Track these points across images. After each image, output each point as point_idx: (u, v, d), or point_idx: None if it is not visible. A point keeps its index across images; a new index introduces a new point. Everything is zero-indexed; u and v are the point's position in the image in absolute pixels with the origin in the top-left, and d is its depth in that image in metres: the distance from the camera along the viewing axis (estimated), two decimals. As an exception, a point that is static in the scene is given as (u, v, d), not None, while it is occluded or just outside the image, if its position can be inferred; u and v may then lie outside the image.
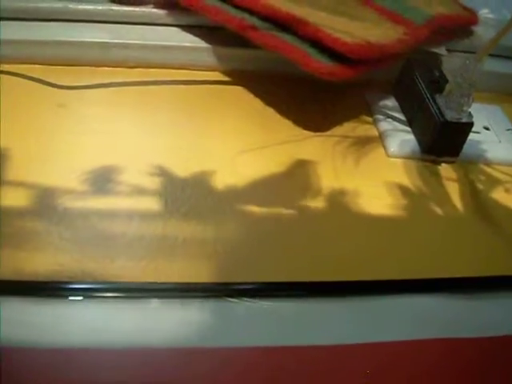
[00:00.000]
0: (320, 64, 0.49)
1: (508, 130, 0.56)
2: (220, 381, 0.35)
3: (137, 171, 0.47)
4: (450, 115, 0.49)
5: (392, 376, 0.37)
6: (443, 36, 0.59)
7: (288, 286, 0.41)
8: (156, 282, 0.39)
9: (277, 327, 0.38)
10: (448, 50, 0.60)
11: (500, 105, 0.60)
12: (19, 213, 0.42)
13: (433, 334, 0.39)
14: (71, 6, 0.57)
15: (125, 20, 0.58)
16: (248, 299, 0.39)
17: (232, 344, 0.37)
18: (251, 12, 0.53)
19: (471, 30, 0.63)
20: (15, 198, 0.43)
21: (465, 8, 0.62)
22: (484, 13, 0.67)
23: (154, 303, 0.39)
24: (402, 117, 0.54)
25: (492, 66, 0.60)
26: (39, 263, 0.39)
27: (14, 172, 0.45)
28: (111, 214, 0.43)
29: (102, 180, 0.46)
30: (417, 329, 0.39)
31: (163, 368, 0.35)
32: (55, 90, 0.53)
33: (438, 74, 0.53)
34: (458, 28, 0.61)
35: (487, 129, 0.56)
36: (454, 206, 0.49)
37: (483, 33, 0.63)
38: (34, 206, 0.43)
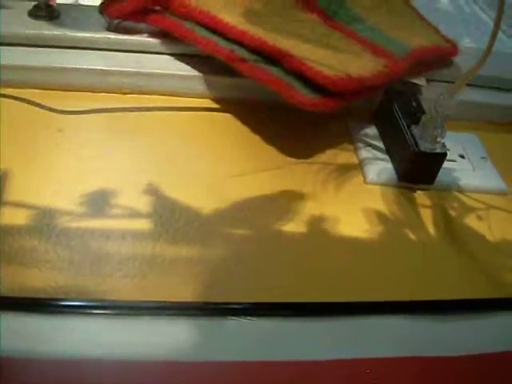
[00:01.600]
0: (303, 97, 0.53)
1: (482, 158, 0.59)
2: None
3: (130, 194, 0.50)
4: (424, 146, 0.52)
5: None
6: (423, 67, 0.63)
7: (270, 306, 0.44)
8: (144, 301, 0.43)
9: (260, 344, 0.41)
10: (428, 80, 0.64)
11: (476, 133, 0.63)
12: (18, 231, 0.46)
13: (409, 353, 0.42)
14: (70, 33, 0.60)
15: (121, 48, 0.61)
16: (232, 318, 0.43)
17: (217, 358, 0.40)
18: (240, 44, 0.57)
19: (451, 61, 0.67)
20: (14, 218, 0.46)
21: (446, 39, 0.66)
22: (465, 42, 0.71)
23: (143, 320, 0.42)
24: (381, 145, 0.58)
25: (469, 95, 0.63)
26: (36, 280, 0.43)
27: (12, 193, 0.48)
28: (105, 235, 0.46)
29: (97, 202, 0.49)
30: (394, 347, 0.42)
31: (150, 380, 0.39)
32: (53, 114, 0.57)
33: (415, 105, 0.57)
34: (439, 59, 0.65)
35: (462, 157, 0.59)
36: (428, 232, 0.52)
37: (463, 63, 0.66)
38: (32, 226, 0.46)
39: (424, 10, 0.70)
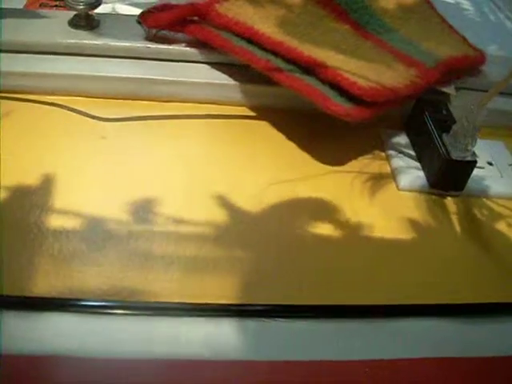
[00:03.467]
0: (338, 106, 0.56)
1: (510, 165, 0.62)
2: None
3: (172, 199, 0.54)
4: (455, 154, 0.55)
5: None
6: (453, 76, 0.66)
7: (298, 308, 0.48)
8: (185, 302, 0.46)
9: (288, 344, 0.45)
10: (457, 89, 0.66)
11: (504, 140, 0.66)
12: (65, 236, 0.49)
13: (437, 354, 0.45)
14: (110, 42, 0.64)
15: (159, 57, 0.65)
16: (263, 319, 0.46)
17: (248, 358, 0.43)
18: (276, 54, 0.60)
19: (479, 69, 0.69)
20: (61, 222, 0.50)
21: (474, 48, 0.69)
22: (492, 51, 0.74)
23: (182, 320, 0.45)
24: (412, 153, 0.61)
25: (497, 104, 0.65)
26: (86, 282, 0.46)
27: (59, 198, 0.52)
28: (150, 239, 0.50)
29: (142, 207, 0.52)
30: (417, 349, 0.46)
31: (184, 377, 0.42)
32: (96, 121, 0.60)
33: (445, 113, 0.60)
34: (467, 68, 0.68)
35: (490, 164, 0.62)
36: (457, 238, 0.55)
37: (491, 71, 0.69)
38: (79, 230, 0.50)
39: (449, 18, 0.73)
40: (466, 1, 0.87)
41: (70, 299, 0.45)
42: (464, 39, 0.70)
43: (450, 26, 0.71)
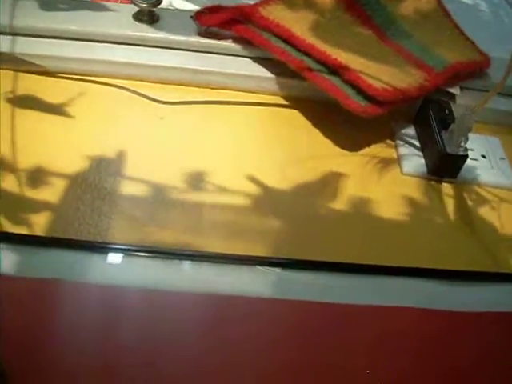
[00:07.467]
0: (356, 104, 0.71)
1: (501, 158, 0.76)
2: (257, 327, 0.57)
3: (219, 171, 0.69)
4: (451, 149, 0.70)
5: (393, 330, 0.59)
6: (458, 78, 0.79)
7: (313, 263, 0.63)
8: (231, 254, 0.62)
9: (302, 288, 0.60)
10: (461, 88, 0.80)
11: (498, 136, 0.80)
12: (132, 199, 0.65)
13: (416, 305, 0.60)
14: (170, 36, 0.79)
15: (209, 50, 0.79)
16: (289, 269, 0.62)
17: (277, 297, 0.59)
18: (308, 55, 0.75)
19: (484, 72, 0.83)
20: (130, 187, 0.66)
21: (480, 53, 0.82)
22: (498, 52, 0.86)
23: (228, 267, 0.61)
24: (417, 143, 0.76)
25: (494, 104, 0.78)
26: (156, 236, 0.62)
27: (126, 168, 0.67)
28: (200, 205, 0.65)
29: (196, 178, 0.68)
30: (409, 301, 0.61)
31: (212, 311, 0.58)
32: (155, 103, 0.76)
33: (447, 112, 0.74)
34: (472, 71, 0.82)
35: (484, 157, 0.76)
36: (448, 216, 0.70)
37: (495, 72, 0.82)
38: (144, 196, 0.65)
39: (465, 19, 0.86)
40: (483, 2, 1.00)
41: (142, 246, 0.61)
42: (473, 44, 0.83)
43: (462, 32, 0.84)
